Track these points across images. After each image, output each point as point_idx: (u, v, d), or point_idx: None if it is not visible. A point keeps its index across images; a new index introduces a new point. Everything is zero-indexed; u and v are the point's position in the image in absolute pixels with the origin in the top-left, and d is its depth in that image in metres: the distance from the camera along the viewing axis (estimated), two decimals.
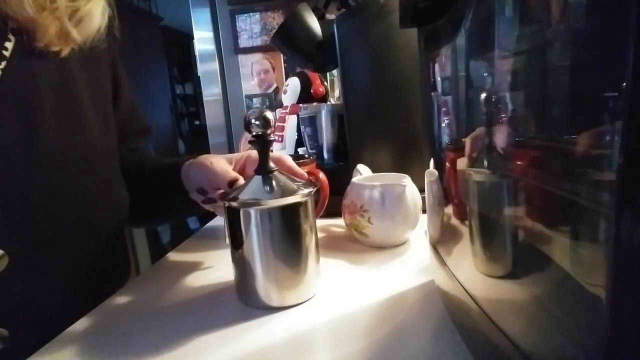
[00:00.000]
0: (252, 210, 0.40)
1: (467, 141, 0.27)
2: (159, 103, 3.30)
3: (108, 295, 0.48)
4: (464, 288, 0.29)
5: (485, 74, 0.24)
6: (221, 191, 0.46)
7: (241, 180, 0.47)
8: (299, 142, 0.94)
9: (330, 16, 0.81)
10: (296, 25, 0.74)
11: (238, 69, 1.96)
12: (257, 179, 0.42)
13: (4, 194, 0.40)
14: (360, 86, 0.71)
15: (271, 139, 0.43)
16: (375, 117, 0.69)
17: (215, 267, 0.54)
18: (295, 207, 0.41)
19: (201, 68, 2.03)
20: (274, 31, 0.76)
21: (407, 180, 0.54)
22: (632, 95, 0.13)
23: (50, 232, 0.44)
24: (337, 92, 1.10)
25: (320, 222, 0.66)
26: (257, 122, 0.41)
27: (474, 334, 0.30)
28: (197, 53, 2.03)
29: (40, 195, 0.43)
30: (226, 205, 0.42)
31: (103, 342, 0.38)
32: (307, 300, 0.43)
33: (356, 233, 0.56)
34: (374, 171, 0.62)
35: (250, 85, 1.97)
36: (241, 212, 0.41)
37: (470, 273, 0.29)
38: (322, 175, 0.59)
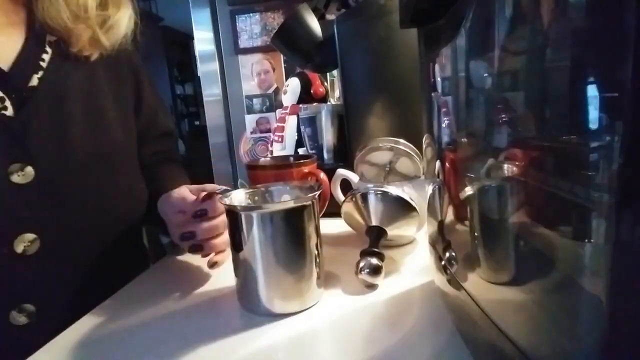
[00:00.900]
0: (254, 214, 0.39)
1: (467, 141, 0.27)
2: None
3: (126, 282, 0.51)
4: (464, 288, 0.29)
5: (485, 74, 0.24)
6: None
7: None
8: (299, 143, 0.94)
9: (330, 16, 0.82)
10: (296, 26, 0.74)
11: (238, 70, 1.96)
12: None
13: (39, 187, 0.46)
14: (360, 86, 0.71)
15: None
16: (375, 117, 0.69)
17: (216, 270, 0.53)
18: (299, 210, 0.40)
19: (201, 68, 2.03)
20: (274, 31, 0.76)
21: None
22: (632, 95, 0.13)
23: (76, 221, 0.50)
24: (337, 92, 1.10)
25: (320, 222, 0.65)
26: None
27: (474, 334, 0.30)
28: (197, 53, 2.03)
29: (69, 189, 0.48)
30: (227, 209, 0.41)
31: (98, 348, 0.38)
32: (310, 307, 0.42)
33: None
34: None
35: (250, 85, 1.97)
36: (242, 216, 0.39)
37: (470, 273, 0.28)
38: (322, 175, 0.59)
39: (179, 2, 2.55)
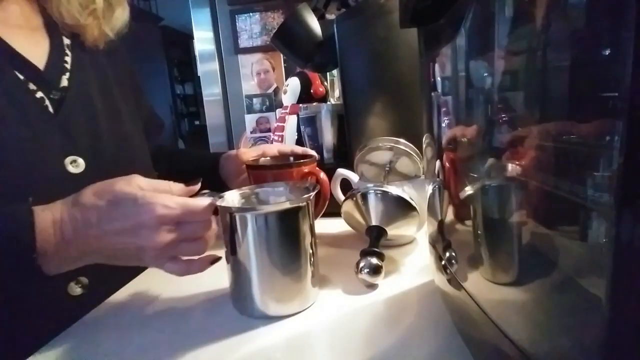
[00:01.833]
0: (248, 215, 0.39)
1: (467, 141, 0.27)
2: (159, 103, 3.30)
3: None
4: (464, 288, 0.29)
5: (485, 74, 0.24)
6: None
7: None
8: (299, 142, 0.94)
9: (330, 16, 0.81)
10: (296, 25, 0.74)
11: (238, 69, 1.96)
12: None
13: (90, 177, 0.48)
14: (360, 86, 0.71)
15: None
16: (375, 117, 0.69)
17: (211, 272, 0.53)
18: (294, 212, 0.40)
19: (201, 68, 2.03)
20: (274, 31, 0.76)
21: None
22: (632, 95, 0.13)
23: None
24: (337, 92, 1.10)
25: (320, 222, 0.66)
26: None
27: (474, 334, 0.30)
28: (197, 53, 2.03)
29: (96, 178, 0.50)
30: (220, 210, 0.40)
31: (93, 350, 0.38)
32: (306, 309, 0.41)
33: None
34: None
35: (250, 85, 1.97)
36: (237, 217, 0.39)
37: (470, 273, 0.28)
38: (322, 175, 0.59)
39: (179, 2, 2.55)
